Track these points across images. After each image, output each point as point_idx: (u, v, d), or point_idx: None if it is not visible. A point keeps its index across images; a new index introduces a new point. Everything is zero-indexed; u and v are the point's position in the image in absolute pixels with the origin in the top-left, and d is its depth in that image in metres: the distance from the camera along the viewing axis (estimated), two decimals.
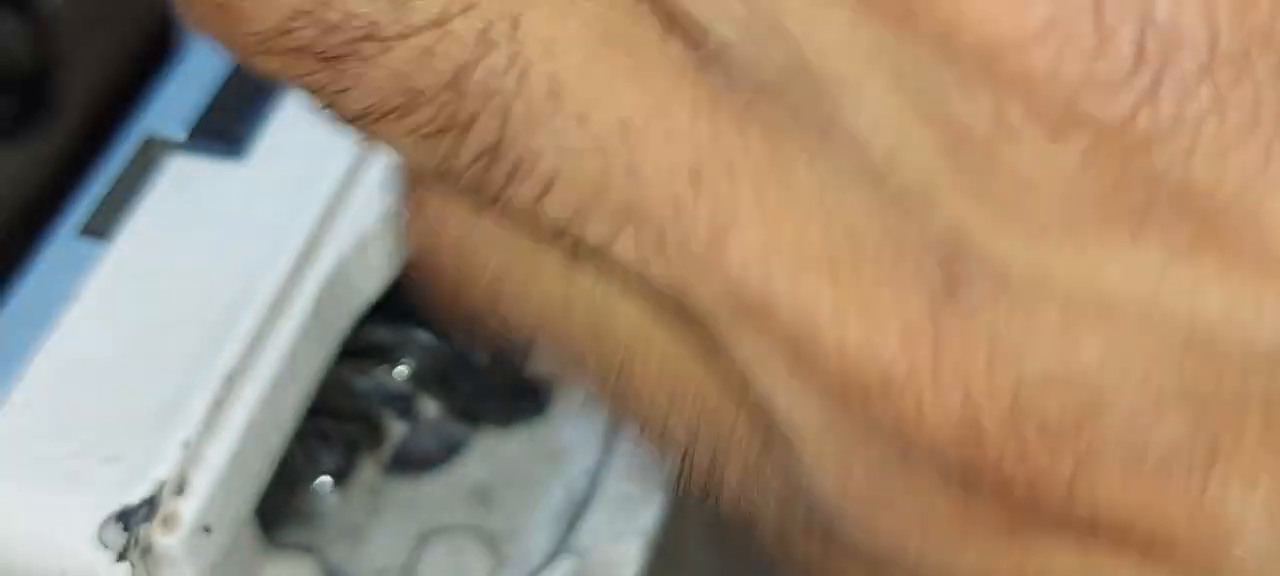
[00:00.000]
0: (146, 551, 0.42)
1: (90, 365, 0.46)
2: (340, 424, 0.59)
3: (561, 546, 0.59)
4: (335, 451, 0.60)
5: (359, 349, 0.59)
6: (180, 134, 0.53)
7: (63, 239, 0.50)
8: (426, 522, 0.62)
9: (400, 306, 0.59)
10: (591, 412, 0.65)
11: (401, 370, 0.58)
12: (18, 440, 0.44)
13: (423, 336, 0.58)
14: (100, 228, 0.50)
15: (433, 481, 0.64)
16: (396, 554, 0.61)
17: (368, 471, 0.64)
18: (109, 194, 0.51)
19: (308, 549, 0.60)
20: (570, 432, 0.64)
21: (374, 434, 0.59)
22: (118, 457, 0.44)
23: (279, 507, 0.62)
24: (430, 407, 0.60)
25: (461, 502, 0.63)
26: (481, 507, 0.63)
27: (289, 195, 0.51)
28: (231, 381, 0.45)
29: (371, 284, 0.52)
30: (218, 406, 0.45)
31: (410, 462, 0.60)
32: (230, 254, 0.49)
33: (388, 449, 0.59)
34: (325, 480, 0.57)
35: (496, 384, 0.62)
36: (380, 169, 0.53)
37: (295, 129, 0.51)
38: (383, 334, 0.58)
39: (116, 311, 0.48)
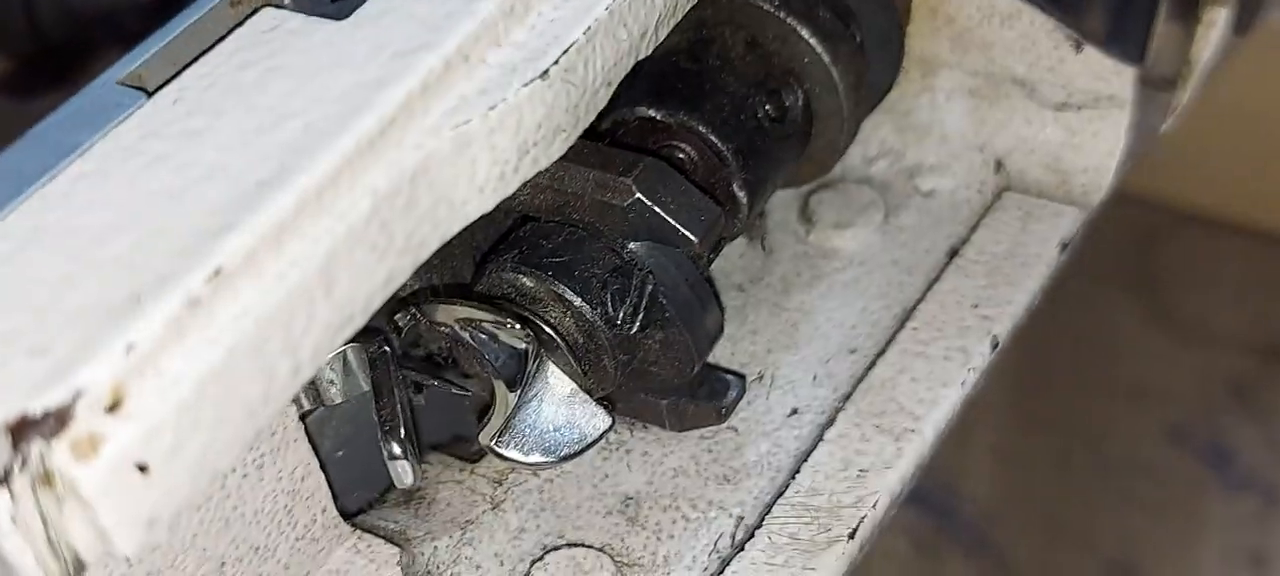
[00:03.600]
0: (42, 479, 0.31)
1: (69, 232, 0.35)
2: (441, 381, 0.47)
3: None
4: (444, 399, 0.48)
5: (472, 290, 0.46)
6: None
7: (102, 86, 0.40)
8: (553, 531, 0.49)
9: (537, 247, 0.46)
10: (789, 429, 0.50)
11: (526, 332, 0.44)
12: None
13: (567, 290, 0.45)
14: (145, 80, 0.39)
15: (566, 480, 0.50)
16: (508, 564, 0.48)
17: (479, 454, 0.51)
18: (167, 46, 0.40)
19: (394, 540, 0.48)
20: (756, 449, 0.50)
21: (483, 403, 0.46)
22: (44, 350, 0.32)
23: (367, 480, 0.50)
24: (562, 384, 0.46)
25: (601, 513, 0.49)
26: (625, 524, 0.49)
27: (380, 63, 0.39)
28: (221, 279, 0.33)
29: (472, 199, 0.39)
30: (194, 307, 0.33)
31: (530, 448, 0.46)
32: (282, 123, 0.37)
33: (498, 424, 0.45)
34: (409, 466, 0.45)
35: (671, 367, 0.48)
36: (511, 48, 0.40)
37: None
38: (510, 276, 0.45)
39: (123, 175, 0.36)
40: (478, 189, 0.39)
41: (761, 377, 0.52)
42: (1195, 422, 0.93)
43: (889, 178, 0.57)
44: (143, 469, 0.32)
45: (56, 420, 0.31)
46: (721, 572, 0.45)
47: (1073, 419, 0.95)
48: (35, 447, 0.30)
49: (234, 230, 0.34)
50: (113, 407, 0.31)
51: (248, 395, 0.34)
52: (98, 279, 0.34)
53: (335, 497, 0.46)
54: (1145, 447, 0.93)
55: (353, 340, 0.45)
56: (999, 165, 0.55)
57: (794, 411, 0.51)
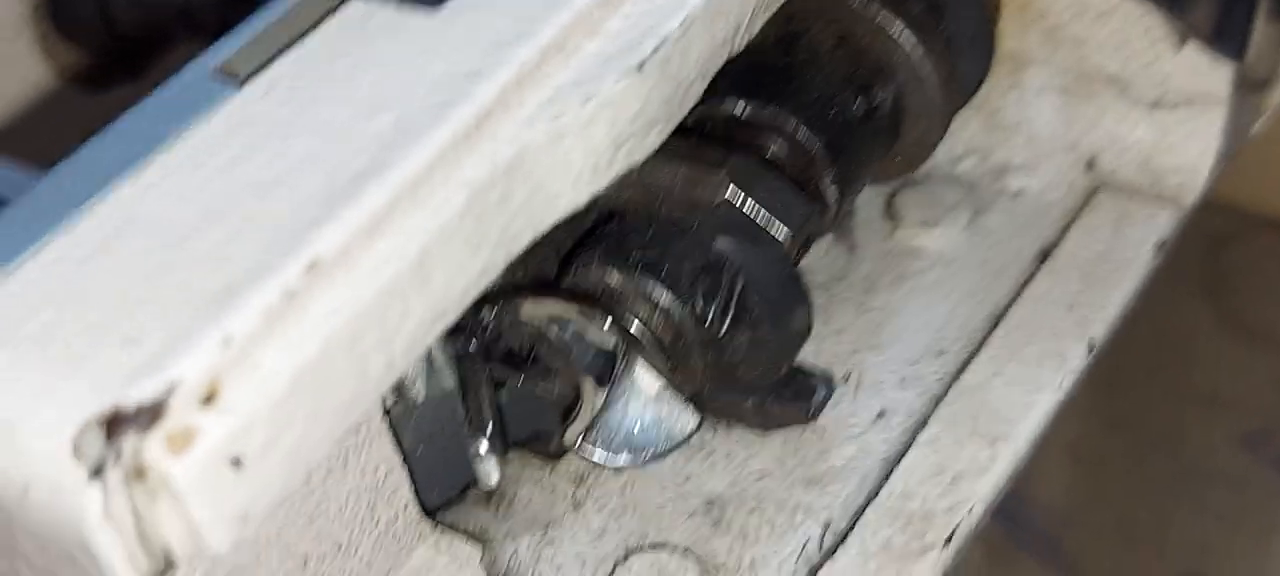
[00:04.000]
0: (135, 473, 0.30)
1: (159, 223, 0.35)
2: (528, 380, 0.46)
3: None
4: (527, 396, 0.47)
5: (558, 286, 0.45)
6: None
7: (193, 75, 0.39)
8: (635, 532, 0.48)
9: (624, 243, 0.45)
10: (876, 432, 0.49)
11: (615, 329, 0.43)
12: (32, 297, 0.33)
13: (656, 287, 0.44)
14: (237, 69, 0.39)
15: (648, 481, 0.49)
16: (590, 565, 0.47)
17: (560, 452, 0.50)
18: (258, 35, 0.40)
19: (478, 538, 0.47)
20: (842, 452, 0.48)
21: (568, 401, 0.45)
22: (138, 341, 0.32)
23: (448, 478, 0.49)
24: (650, 383, 0.45)
25: (684, 515, 0.48)
26: (709, 527, 0.48)
27: (474, 54, 0.38)
28: (317, 271, 0.33)
29: (565, 192, 0.38)
30: (290, 299, 0.32)
31: (616, 448, 0.46)
32: (375, 114, 0.36)
33: (584, 423, 0.44)
34: (495, 465, 0.44)
35: (758, 367, 0.46)
36: (605, 38, 0.39)
37: None
38: (598, 272, 0.44)
39: (214, 166, 0.36)
40: (572, 182, 0.38)
41: (847, 379, 0.51)
42: (1270, 430, 0.91)
43: (976, 177, 0.56)
44: (236, 464, 0.31)
45: (151, 413, 0.30)
46: None
47: (1147, 424, 0.93)
48: (129, 441, 0.30)
49: (329, 222, 0.33)
50: (207, 400, 0.31)
51: (341, 390, 0.33)
52: (191, 270, 0.33)
53: (417, 496, 0.45)
54: (1220, 455, 0.91)
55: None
56: (1089, 164, 0.54)
57: (881, 414, 0.49)
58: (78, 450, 0.30)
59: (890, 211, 0.55)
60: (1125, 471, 0.90)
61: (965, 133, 0.56)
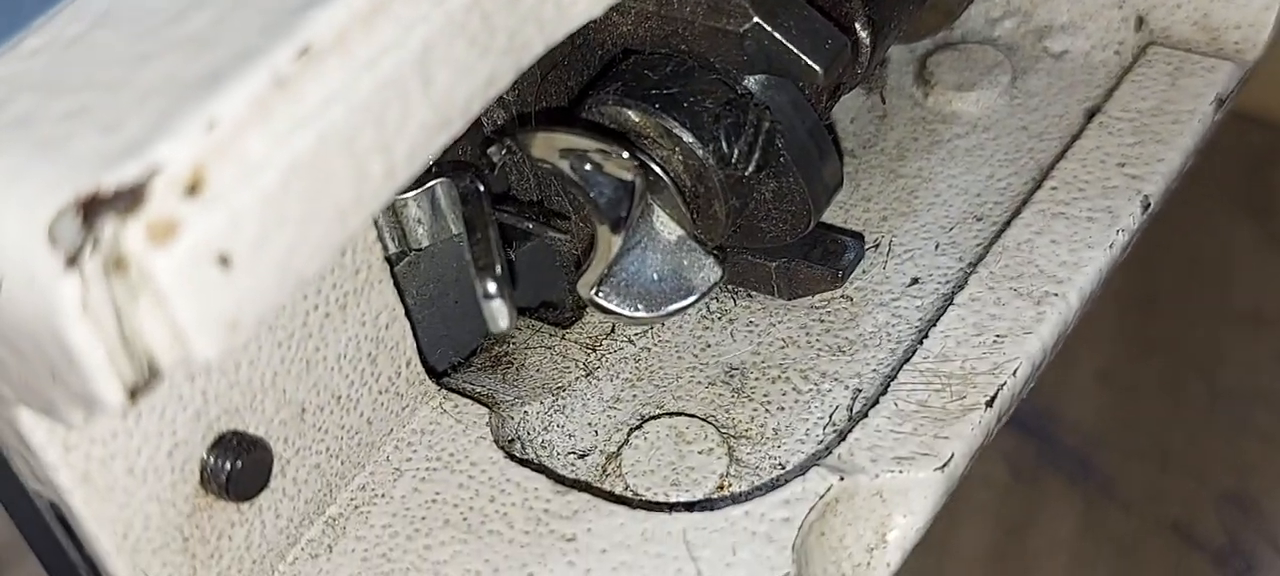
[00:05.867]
0: (115, 263, 0.27)
1: (141, 10, 0.32)
2: (541, 225, 0.43)
3: (819, 459, 0.41)
4: (535, 260, 0.44)
5: (575, 116, 0.42)
6: None
7: None
8: (651, 400, 0.45)
9: (642, 78, 0.42)
10: (910, 299, 0.46)
11: (634, 162, 0.40)
12: (8, 87, 0.30)
13: (676, 124, 0.41)
14: None
15: (664, 348, 0.46)
16: (603, 433, 0.44)
17: (578, 313, 0.47)
18: None
19: (484, 401, 0.44)
20: (873, 319, 0.46)
21: (583, 248, 0.42)
22: (118, 126, 0.29)
23: (454, 339, 0.46)
24: (669, 230, 0.42)
25: (703, 384, 0.45)
26: (730, 395, 0.45)
27: None
28: (310, 57, 0.30)
29: (579, 1, 0.35)
30: (281, 86, 0.29)
31: (632, 300, 0.43)
32: None
33: (600, 270, 0.41)
34: (505, 306, 0.41)
35: (784, 220, 0.44)
36: None
37: None
38: (614, 109, 0.41)
39: None
40: None
41: (878, 245, 0.48)
42: None
43: (1015, 39, 0.53)
44: (224, 261, 0.28)
45: (131, 197, 0.27)
46: (840, 443, 0.41)
47: (1184, 344, 0.90)
48: (108, 226, 0.27)
49: (322, 5, 0.31)
50: (192, 189, 0.28)
51: (338, 193, 0.30)
52: (175, 56, 0.30)
53: (421, 355, 0.43)
54: (1261, 375, 0.88)
55: (442, 176, 0.41)
56: (1140, 22, 0.51)
57: (914, 281, 0.47)
58: (53, 235, 0.27)
59: (923, 76, 0.52)
60: (1160, 394, 0.87)
61: None
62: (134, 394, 0.28)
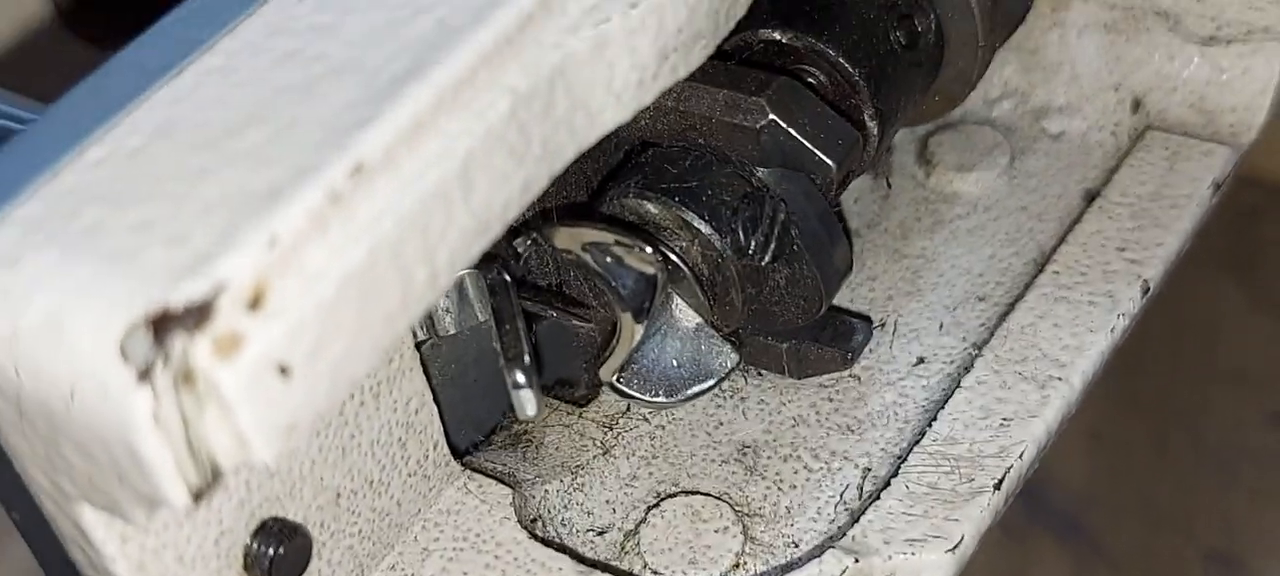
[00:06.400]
0: (183, 376, 0.29)
1: (200, 125, 0.33)
2: (564, 313, 0.44)
3: (834, 541, 0.42)
4: (552, 339, 0.45)
5: (596, 208, 0.44)
6: None
7: None
8: (667, 478, 0.46)
9: (662, 171, 0.43)
10: (916, 379, 0.48)
11: (657, 256, 0.42)
12: (78, 197, 0.32)
13: (695, 216, 0.42)
14: None
15: (678, 427, 0.48)
16: (620, 511, 0.46)
17: (594, 391, 0.48)
18: None
19: (506, 481, 0.46)
20: (880, 399, 0.47)
21: (603, 333, 0.44)
22: (183, 240, 0.30)
23: (475, 419, 0.48)
24: (688, 318, 0.44)
25: (717, 462, 0.47)
26: (743, 473, 0.46)
27: None
28: (362, 174, 0.31)
29: (609, 106, 0.37)
30: (335, 201, 0.31)
31: (652, 386, 0.44)
32: (415, 18, 0.35)
33: (623, 357, 0.43)
34: (532, 395, 0.42)
35: (796, 305, 0.45)
36: None
37: None
38: (634, 202, 0.43)
39: (252, 69, 0.34)
40: (615, 95, 0.37)
41: (883, 325, 0.50)
42: None
43: (1014, 120, 0.55)
44: (284, 371, 0.30)
45: (199, 314, 0.29)
46: (853, 524, 0.43)
47: (1170, 402, 0.91)
48: (178, 342, 0.29)
49: (372, 124, 0.32)
50: (254, 303, 0.29)
51: (387, 299, 0.32)
52: (234, 171, 0.32)
53: (445, 435, 0.44)
54: (1248, 433, 0.89)
55: (470, 267, 0.43)
56: (1136, 105, 0.53)
57: (920, 360, 0.48)
58: (125, 351, 0.28)
59: (924, 156, 0.54)
60: (1148, 452, 0.89)
61: (1002, 74, 0.55)
62: (198, 495, 0.30)
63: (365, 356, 0.32)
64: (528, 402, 0.40)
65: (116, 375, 0.28)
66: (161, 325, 0.29)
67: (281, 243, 0.30)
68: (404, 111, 0.32)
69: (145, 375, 0.28)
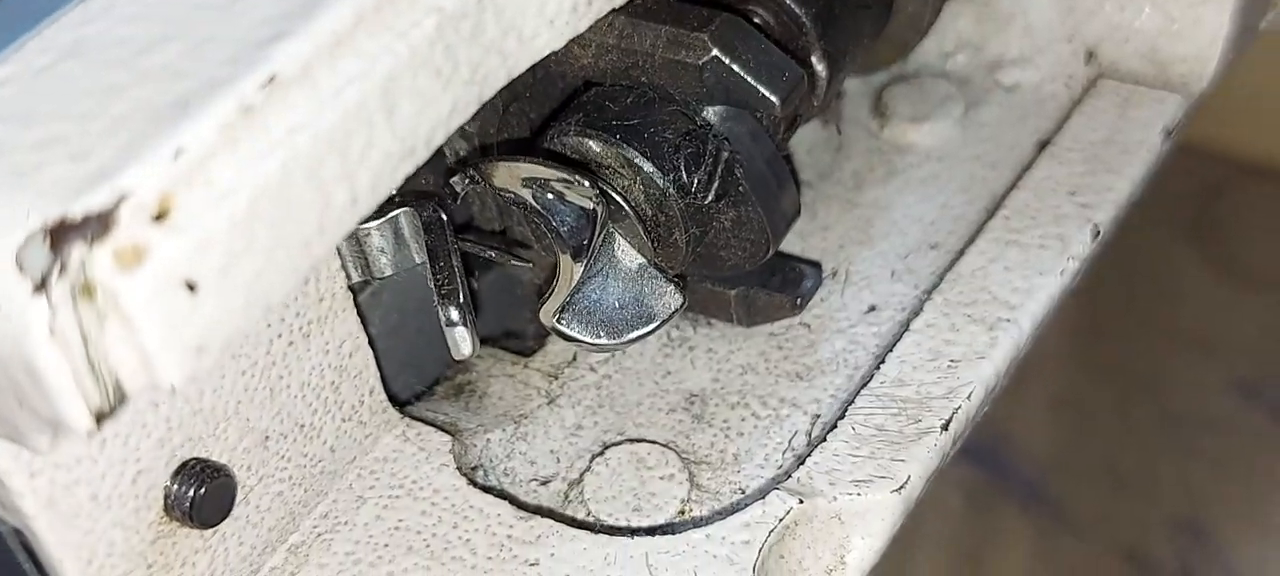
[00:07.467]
0: (83, 289, 0.28)
1: (110, 43, 0.32)
2: (503, 252, 0.43)
3: (779, 483, 0.42)
4: (497, 290, 0.44)
5: (538, 146, 0.43)
6: None
7: None
8: (612, 427, 0.45)
9: (603, 109, 0.42)
10: (867, 326, 0.47)
11: (595, 191, 0.41)
12: None
13: (637, 154, 0.41)
14: None
15: (625, 376, 0.47)
16: (565, 460, 0.45)
17: (540, 342, 0.47)
18: None
19: (447, 429, 0.45)
20: (831, 346, 0.46)
21: (545, 276, 0.43)
22: (87, 155, 0.29)
23: (418, 369, 0.47)
24: (630, 258, 0.43)
25: (663, 410, 0.46)
26: (690, 421, 0.45)
27: None
28: (276, 87, 0.30)
29: (542, 32, 0.36)
30: (247, 114, 0.30)
31: (594, 327, 0.43)
32: None
33: (562, 297, 0.42)
34: (468, 333, 0.41)
35: (743, 248, 0.44)
36: None
37: None
38: (576, 139, 0.42)
39: None
40: (548, 21, 0.36)
41: (835, 274, 0.49)
42: (1264, 376, 0.90)
43: (968, 72, 0.54)
44: (191, 287, 0.29)
45: (99, 224, 0.28)
46: (799, 467, 0.42)
47: (1134, 370, 0.91)
48: (75, 252, 0.27)
49: (288, 38, 0.31)
50: (160, 216, 0.28)
51: (303, 220, 0.31)
52: (143, 87, 0.31)
53: (384, 383, 0.43)
54: (1211, 401, 0.89)
55: (405, 205, 0.42)
56: (1089, 55, 0.52)
57: (872, 308, 0.47)
58: (21, 261, 0.27)
59: (878, 108, 0.53)
60: (1114, 417, 0.89)
61: (956, 26, 0.54)
62: (100, 418, 0.29)
63: (282, 278, 0.31)
64: (463, 341, 0.39)
65: (11, 286, 0.27)
66: (59, 235, 0.28)
67: (189, 154, 0.29)
68: (322, 26, 0.31)
69: (41, 286, 0.27)
